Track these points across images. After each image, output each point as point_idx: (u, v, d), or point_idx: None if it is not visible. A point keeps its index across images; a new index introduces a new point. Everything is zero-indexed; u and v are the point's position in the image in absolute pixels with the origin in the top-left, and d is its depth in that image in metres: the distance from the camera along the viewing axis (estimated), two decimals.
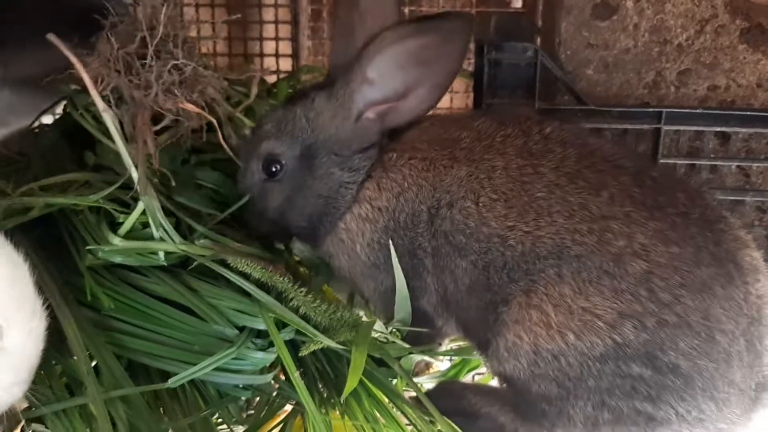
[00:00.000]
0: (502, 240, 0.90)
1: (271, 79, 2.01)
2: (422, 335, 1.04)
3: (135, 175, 0.95)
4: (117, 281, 0.97)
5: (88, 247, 0.96)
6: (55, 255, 1.00)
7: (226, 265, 0.97)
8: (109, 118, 0.96)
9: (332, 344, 0.94)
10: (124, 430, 0.84)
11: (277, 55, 2.03)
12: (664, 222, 0.85)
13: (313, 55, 2.06)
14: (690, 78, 1.26)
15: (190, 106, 1.03)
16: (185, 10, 2.02)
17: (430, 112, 1.05)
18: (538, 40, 1.38)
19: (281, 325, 0.96)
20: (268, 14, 2.02)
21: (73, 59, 0.94)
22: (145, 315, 0.95)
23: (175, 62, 1.03)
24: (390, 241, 0.99)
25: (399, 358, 1.08)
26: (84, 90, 1.15)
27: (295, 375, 0.89)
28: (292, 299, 0.95)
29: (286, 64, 2.04)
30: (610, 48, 1.26)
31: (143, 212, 0.95)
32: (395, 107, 1.01)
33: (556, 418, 0.89)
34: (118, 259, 0.97)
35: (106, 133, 1.12)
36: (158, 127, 1.06)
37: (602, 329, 0.82)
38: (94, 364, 0.92)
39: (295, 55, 2.03)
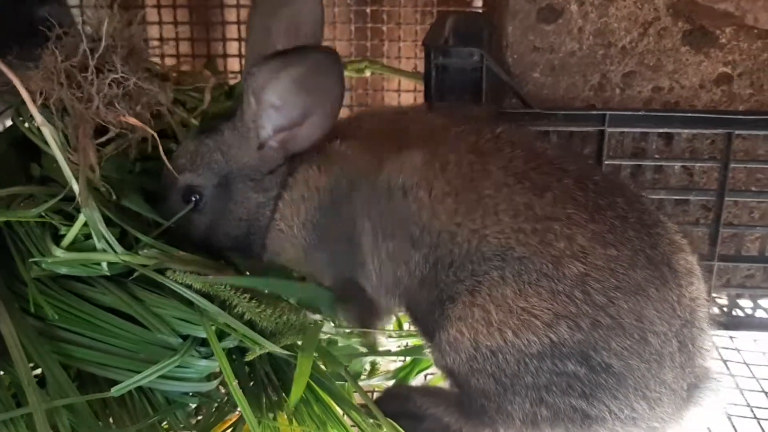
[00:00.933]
0: (451, 236, 0.92)
1: (235, 78, 2.03)
2: (363, 313, 1.07)
3: (76, 187, 0.95)
4: (62, 291, 0.98)
5: (32, 260, 0.97)
6: (1, 264, 1.01)
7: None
8: (47, 132, 0.97)
9: (276, 349, 0.96)
10: None
11: (240, 56, 2.03)
12: (603, 224, 0.88)
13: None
14: (634, 80, 1.28)
15: (132, 120, 1.04)
16: (147, 11, 2.03)
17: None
18: (493, 41, 1.40)
19: (225, 332, 0.97)
20: (231, 15, 2.02)
21: (9, 74, 0.95)
22: (90, 324, 0.96)
23: (115, 76, 1.03)
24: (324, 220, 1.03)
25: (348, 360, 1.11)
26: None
27: (234, 384, 0.90)
28: (236, 306, 0.97)
29: None
30: (555, 51, 1.27)
31: (85, 224, 0.96)
32: (293, 134, 1.04)
33: (495, 414, 0.92)
34: (63, 270, 0.97)
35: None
36: (103, 139, 1.07)
37: (539, 328, 0.86)
38: (39, 372, 0.94)
39: None
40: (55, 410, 0.88)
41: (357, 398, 1.08)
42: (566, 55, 1.27)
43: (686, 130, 1.23)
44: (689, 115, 1.22)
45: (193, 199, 1.07)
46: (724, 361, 1.31)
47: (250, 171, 1.06)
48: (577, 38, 1.27)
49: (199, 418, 1.03)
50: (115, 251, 0.96)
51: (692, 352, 0.90)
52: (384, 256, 0.99)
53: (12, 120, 1.18)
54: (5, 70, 0.95)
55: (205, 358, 0.97)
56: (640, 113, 1.21)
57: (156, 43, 2.01)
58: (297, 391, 0.91)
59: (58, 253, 0.95)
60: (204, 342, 0.98)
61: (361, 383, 1.18)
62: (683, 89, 1.28)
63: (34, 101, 1.10)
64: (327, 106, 1.02)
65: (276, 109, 1.02)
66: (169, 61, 1.98)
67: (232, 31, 2.02)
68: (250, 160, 1.06)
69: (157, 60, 1.83)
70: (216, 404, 1.02)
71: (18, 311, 0.96)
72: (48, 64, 1.07)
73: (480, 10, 1.85)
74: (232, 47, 2.03)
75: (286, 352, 0.98)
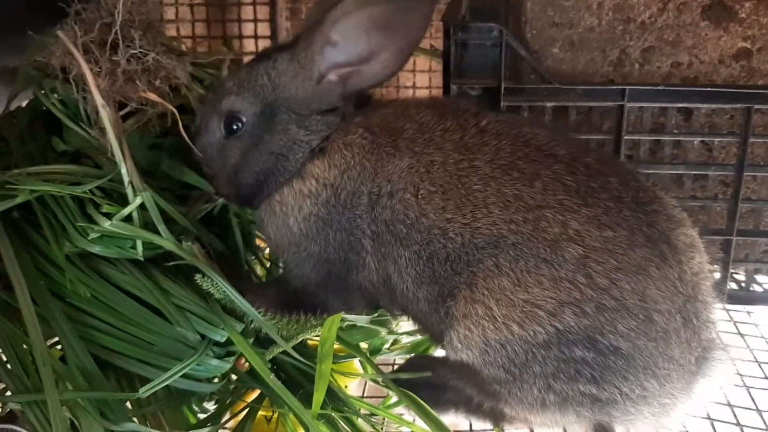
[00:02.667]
0: (443, 232, 0.93)
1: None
2: (355, 307, 1.08)
3: (124, 172, 0.97)
4: (89, 271, 0.99)
5: (79, 224, 0.98)
6: (27, 243, 1.03)
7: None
8: (105, 115, 0.98)
9: (290, 350, 0.99)
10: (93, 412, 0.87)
11: (256, 37, 2.03)
12: (596, 207, 0.88)
13: (292, 36, 2.07)
14: (654, 55, 1.28)
15: (151, 95, 1.04)
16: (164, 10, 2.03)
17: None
18: (510, 18, 1.40)
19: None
20: (247, 13, 2.02)
21: (81, 61, 0.96)
22: (112, 310, 0.97)
23: (134, 51, 1.04)
24: (328, 215, 1.02)
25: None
26: (51, 75, 1.18)
27: (273, 380, 0.93)
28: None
29: (265, 46, 2.04)
30: (574, 27, 1.27)
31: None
32: (358, 71, 1.02)
33: (507, 397, 0.93)
34: (96, 249, 0.98)
35: (73, 118, 1.15)
36: (122, 113, 1.08)
37: (543, 318, 0.86)
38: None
39: (273, 37, 2.03)
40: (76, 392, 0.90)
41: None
42: (585, 30, 1.28)
43: (705, 105, 1.23)
44: (708, 89, 1.22)
45: (234, 126, 1.05)
46: (742, 335, 1.32)
47: (299, 104, 1.04)
48: (596, 13, 1.27)
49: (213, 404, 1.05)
50: (163, 237, 0.98)
51: (697, 326, 0.90)
52: (380, 256, 1.00)
53: (34, 94, 1.19)
54: (78, 57, 0.97)
55: (218, 358, 0.98)
56: (659, 88, 1.21)
57: (172, 24, 2.03)
58: (319, 395, 0.91)
59: (107, 224, 0.96)
60: (216, 342, 0.99)
61: (381, 357, 1.20)
62: (702, 64, 1.27)
63: (56, 76, 1.12)
64: (402, 46, 1.00)
65: (347, 43, 1.00)
66: (185, 43, 1.99)
67: (247, 12, 2.02)
68: (302, 92, 1.04)
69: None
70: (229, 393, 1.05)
71: (45, 290, 0.97)
72: (68, 38, 1.08)
73: None
74: (248, 28, 2.04)
75: (304, 362, 1.01)
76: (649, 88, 1.22)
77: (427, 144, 0.98)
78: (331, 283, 1.06)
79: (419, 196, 0.95)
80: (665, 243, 0.89)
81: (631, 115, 1.26)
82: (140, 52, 1.08)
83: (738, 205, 1.27)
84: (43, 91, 1.19)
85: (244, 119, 1.05)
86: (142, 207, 0.99)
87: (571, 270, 0.86)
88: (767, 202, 1.31)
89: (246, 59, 1.86)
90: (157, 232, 0.99)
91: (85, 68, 1.00)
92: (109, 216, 0.97)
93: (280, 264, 1.14)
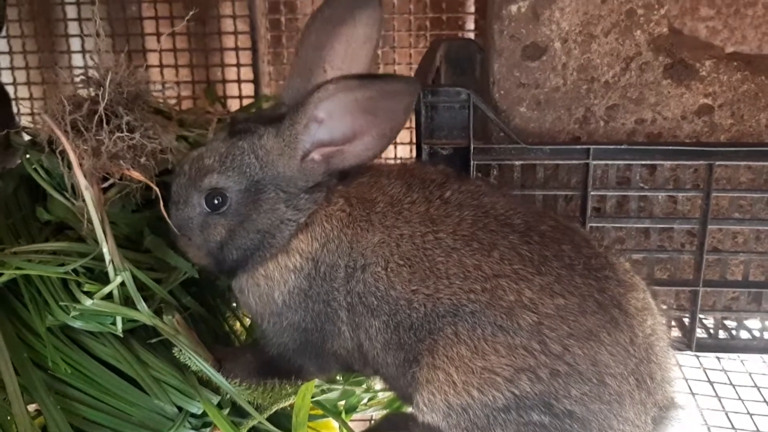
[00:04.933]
0: (408, 303, 0.97)
1: (234, 102, 2.08)
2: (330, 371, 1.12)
3: (106, 251, 1.02)
4: (70, 343, 1.03)
5: (61, 303, 1.01)
6: (12, 314, 1.07)
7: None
8: (88, 196, 1.02)
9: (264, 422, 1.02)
10: None
11: (239, 81, 2.08)
12: (549, 276, 0.92)
13: (274, 80, 2.12)
14: (618, 113, 1.32)
15: (135, 174, 1.08)
16: (146, 39, 2.08)
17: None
18: (483, 68, 1.44)
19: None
20: (229, 41, 2.07)
21: (65, 143, 1.02)
22: (92, 382, 1.01)
23: (120, 134, 1.07)
24: (309, 288, 1.04)
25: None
26: (36, 145, 1.22)
27: None
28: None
29: (248, 90, 2.10)
30: (540, 87, 1.31)
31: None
32: (341, 150, 1.05)
33: None
34: (78, 324, 1.02)
35: (58, 188, 1.19)
36: (105, 185, 1.12)
37: (501, 384, 0.89)
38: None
39: (256, 81, 2.08)
40: None
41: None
42: (551, 90, 1.32)
43: (668, 162, 1.27)
44: (671, 147, 1.25)
45: (216, 201, 1.05)
46: (711, 383, 1.35)
47: (287, 182, 1.05)
48: (561, 74, 1.31)
49: None
50: (145, 314, 1.02)
51: (652, 387, 0.94)
52: (354, 325, 1.03)
53: (21, 161, 1.23)
54: (62, 138, 1.03)
55: (195, 429, 1.02)
56: (623, 146, 1.25)
57: (156, 70, 2.07)
58: None
59: (88, 303, 1.00)
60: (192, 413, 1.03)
61: (358, 414, 1.23)
62: (666, 120, 1.31)
63: (43, 148, 1.16)
64: (385, 131, 1.03)
65: (331, 123, 1.02)
66: (172, 87, 2.04)
67: (230, 57, 2.07)
68: (288, 171, 1.05)
69: (157, 89, 1.88)
70: None
71: (28, 361, 1.01)
72: (56, 113, 1.12)
73: (472, 35, 1.89)
74: (231, 73, 2.09)
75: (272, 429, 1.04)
76: (613, 146, 1.25)
77: (397, 217, 1.01)
78: (308, 350, 1.09)
79: (388, 270, 0.99)
80: (616, 308, 0.93)
81: (597, 171, 1.30)
82: (126, 130, 1.10)
83: (704, 256, 1.31)
84: (28, 159, 1.23)
85: (228, 196, 1.05)
86: (122, 283, 1.03)
87: (525, 337, 0.90)
88: (732, 252, 1.34)
89: (230, 102, 1.92)
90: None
91: (69, 149, 1.04)
92: (90, 294, 1.01)
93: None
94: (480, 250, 0.95)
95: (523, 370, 0.89)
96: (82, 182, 1.03)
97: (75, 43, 2.15)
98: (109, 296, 1.02)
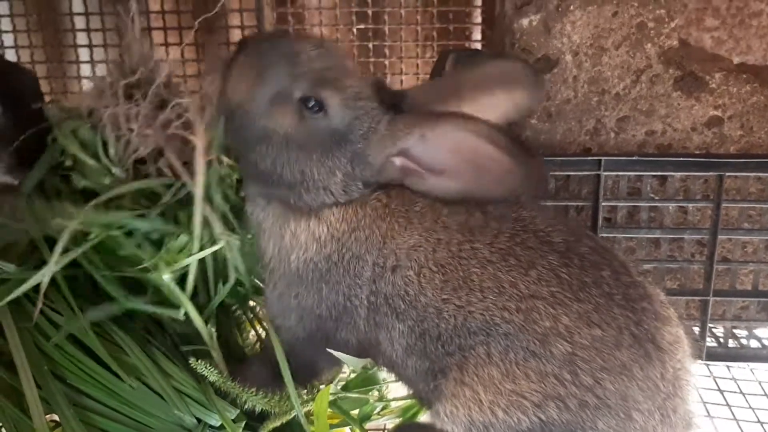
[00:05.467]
0: (437, 312, 0.96)
1: None
2: (305, 372, 1.11)
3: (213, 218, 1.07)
4: (86, 354, 1.04)
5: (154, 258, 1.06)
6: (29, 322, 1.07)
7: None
8: (200, 162, 1.04)
9: None
10: None
11: None
12: (588, 303, 0.90)
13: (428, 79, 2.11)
14: (628, 124, 1.33)
15: (192, 138, 1.06)
16: (152, 33, 2.09)
17: None
18: None
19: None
20: (236, 35, 2.08)
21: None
22: (110, 391, 1.01)
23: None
24: (327, 272, 1.03)
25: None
26: (70, 116, 1.24)
27: None
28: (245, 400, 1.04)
29: None
30: (552, 99, 1.33)
31: None
32: (422, 175, 1.00)
33: None
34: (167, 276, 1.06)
35: (93, 156, 1.20)
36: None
37: (528, 408, 0.89)
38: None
39: None
40: None
41: None
42: (562, 102, 1.33)
43: (679, 173, 1.29)
44: (681, 159, 1.27)
45: (315, 108, 0.98)
46: (721, 392, 1.36)
47: (357, 161, 1.01)
48: (572, 86, 1.32)
49: None
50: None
51: (674, 422, 0.93)
52: (373, 323, 1.03)
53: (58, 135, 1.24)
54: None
55: None
56: (633, 158, 1.27)
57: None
58: None
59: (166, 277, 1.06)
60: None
61: (372, 422, 1.24)
62: (676, 132, 1.33)
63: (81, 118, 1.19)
64: (473, 188, 0.98)
65: (432, 148, 0.97)
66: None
67: (235, 36, 2.07)
68: (371, 155, 1.01)
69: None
70: None
71: (47, 373, 1.02)
72: (101, 84, 1.16)
73: (479, 45, 1.90)
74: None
75: None
76: (624, 158, 1.27)
77: (436, 221, 0.99)
78: (319, 338, 1.08)
79: (421, 275, 0.97)
80: (651, 342, 0.91)
81: (608, 182, 1.31)
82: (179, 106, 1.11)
83: (713, 266, 1.32)
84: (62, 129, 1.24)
85: (326, 114, 0.99)
86: None
87: (557, 366, 0.89)
88: (742, 263, 1.35)
89: None
90: None
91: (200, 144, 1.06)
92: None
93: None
94: (517, 266, 0.93)
95: (552, 398, 0.88)
96: (200, 148, 1.04)
97: (83, 54, 2.15)
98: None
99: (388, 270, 1.00)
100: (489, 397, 0.92)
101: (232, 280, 1.13)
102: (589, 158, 1.27)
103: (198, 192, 1.05)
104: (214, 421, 1.01)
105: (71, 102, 1.23)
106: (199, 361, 1.02)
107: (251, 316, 1.35)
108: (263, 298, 1.15)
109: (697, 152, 1.33)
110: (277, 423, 1.03)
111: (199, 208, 1.05)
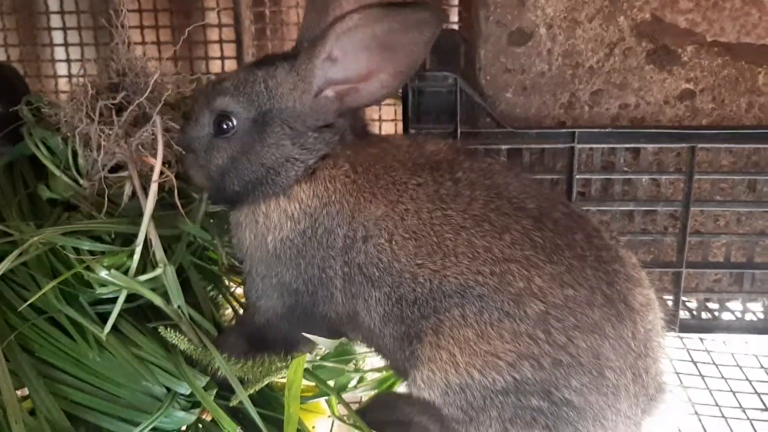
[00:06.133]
0: (413, 277, 0.97)
1: None
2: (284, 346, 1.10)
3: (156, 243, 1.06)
4: (55, 330, 1.03)
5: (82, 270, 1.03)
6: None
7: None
8: (151, 197, 1.06)
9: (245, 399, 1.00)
10: None
11: (222, 59, 2.08)
12: (560, 265, 0.92)
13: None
14: (602, 98, 1.34)
15: (152, 161, 1.08)
16: (130, 32, 2.07)
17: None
18: (467, 63, 1.46)
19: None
20: (213, 34, 2.07)
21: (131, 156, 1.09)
22: (79, 363, 1.00)
23: (149, 129, 1.10)
24: (303, 246, 1.04)
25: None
26: (41, 122, 1.23)
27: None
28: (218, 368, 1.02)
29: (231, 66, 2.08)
30: (526, 72, 1.33)
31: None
32: (356, 88, 1.04)
33: None
34: (103, 291, 1.05)
35: (59, 166, 1.20)
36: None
37: (503, 368, 0.90)
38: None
39: (239, 58, 2.08)
40: None
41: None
42: (536, 75, 1.33)
43: (651, 145, 1.30)
44: (654, 131, 1.28)
45: (225, 126, 1.05)
46: (694, 363, 1.38)
47: (295, 118, 1.05)
48: (547, 59, 1.32)
49: None
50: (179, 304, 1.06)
51: (646, 381, 0.95)
52: (350, 294, 1.03)
53: (26, 139, 1.24)
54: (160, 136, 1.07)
55: (184, 410, 1.01)
56: (607, 130, 1.28)
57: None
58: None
59: (103, 273, 1.02)
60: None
61: (348, 394, 1.24)
62: (649, 105, 1.34)
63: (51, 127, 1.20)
64: (402, 66, 1.01)
65: (348, 59, 1.01)
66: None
67: (214, 50, 2.07)
68: (299, 105, 1.05)
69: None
70: None
71: (15, 345, 1.01)
72: (79, 96, 1.15)
73: (456, 26, 1.90)
74: (215, 65, 2.08)
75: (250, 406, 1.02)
76: (598, 130, 1.28)
77: (401, 195, 1.00)
78: (297, 313, 1.08)
79: (393, 242, 0.98)
80: (623, 302, 0.93)
81: (582, 155, 1.32)
82: (151, 129, 1.12)
83: (686, 238, 1.33)
84: (31, 136, 1.23)
85: (235, 122, 1.05)
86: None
87: (531, 325, 0.90)
88: (715, 234, 1.37)
89: None
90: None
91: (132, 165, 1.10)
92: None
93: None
94: (491, 231, 0.95)
95: (526, 357, 0.90)
96: (157, 170, 1.05)
97: (57, 37, 2.13)
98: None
99: (359, 240, 1.01)
100: (465, 359, 0.92)
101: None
102: (563, 130, 1.28)
103: (146, 215, 1.06)
104: (184, 389, 1.01)
105: (49, 107, 1.23)
106: (168, 329, 1.01)
107: (227, 294, 1.35)
108: (244, 284, 1.15)
109: (670, 125, 1.34)
110: (251, 390, 1.02)
111: (143, 232, 1.05)
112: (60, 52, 2.13)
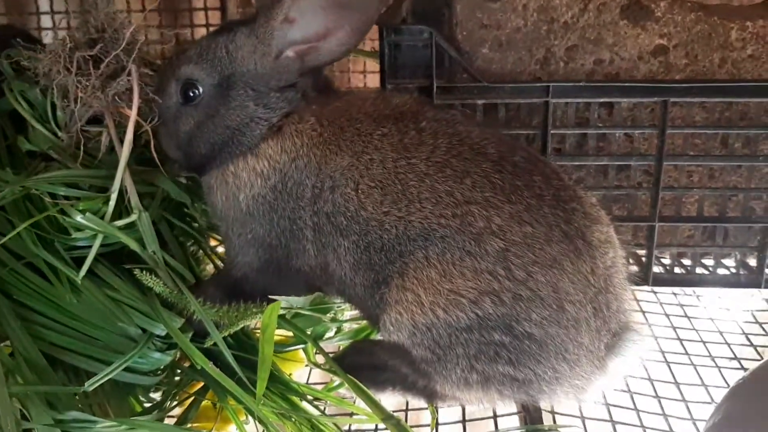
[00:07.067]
0: (380, 224, 0.99)
1: None
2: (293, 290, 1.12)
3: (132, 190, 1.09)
4: (31, 273, 1.05)
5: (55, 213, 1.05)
6: None
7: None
8: (126, 148, 1.07)
9: (220, 342, 1.01)
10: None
11: None
12: (519, 204, 0.95)
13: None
14: (577, 53, 1.35)
15: (128, 112, 1.10)
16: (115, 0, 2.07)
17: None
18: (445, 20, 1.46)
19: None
20: (198, 1, 2.07)
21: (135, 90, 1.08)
22: (56, 306, 1.03)
23: (127, 78, 1.11)
24: (274, 200, 1.07)
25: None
26: (21, 74, 1.24)
27: (212, 368, 1.00)
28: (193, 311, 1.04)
29: None
30: (502, 28, 1.34)
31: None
32: (315, 47, 1.07)
33: (435, 375, 1.00)
34: (79, 236, 1.06)
35: (39, 119, 1.21)
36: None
37: (465, 305, 0.93)
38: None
39: None
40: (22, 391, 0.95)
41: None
42: (512, 31, 1.35)
43: (625, 99, 1.31)
44: (627, 84, 1.30)
45: (191, 93, 1.09)
46: (667, 315, 1.40)
47: (257, 80, 1.08)
48: (522, 15, 1.34)
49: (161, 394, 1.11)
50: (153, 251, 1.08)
51: (607, 316, 0.98)
52: (320, 245, 1.06)
53: (6, 93, 1.25)
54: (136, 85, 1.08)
55: (160, 351, 1.04)
56: (581, 84, 1.29)
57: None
58: (261, 383, 0.96)
59: (78, 217, 1.04)
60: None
61: (325, 342, 1.26)
62: (623, 61, 1.35)
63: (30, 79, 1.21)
64: (358, 24, 1.05)
65: (305, 19, 1.05)
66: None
67: (199, 18, 2.07)
68: (261, 68, 1.08)
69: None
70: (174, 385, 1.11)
71: None
72: (57, 48, 1.15)
73: None
74: (200, 33, 2.08)
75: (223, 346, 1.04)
76: (572, 84, 1.29)
77: (366, 145, 1.03)
78: (272, 267, 1.11)
79: (359, 191, 1.01)
80: (581, 239, 0.96)
81: (557, 111, 1.33)
82: (127, 79, 1.13)
83: (659, 193, 1.35)
84: (11, 89, 1.24)
85: (201, 89, 1.09)
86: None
87: (491, 262, 0.93)
88: (687, 189, 1.39)
89: None
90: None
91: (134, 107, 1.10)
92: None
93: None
94: (453, 176, 0.97)
95: (487, 293, 0.92)
96: (132, 118, 1.07)
97: (44, 4, 2.13)
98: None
99: (327, 190, 1.04)
100: (429, 298, 0.95)
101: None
102: (538, 84, 1.29)
103: (122, 162, 1.08)
104: (160, 330, 1.03)
105: (28, 60, 1.24)
106: (144, 273, 1.03)
107: (207, 250, 1.37)
108: (223, 243, 1.19)
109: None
110: (225, 333, 1.04)
111: (119, 178, 1.08)
112: (46, 21, 2.13)
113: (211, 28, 2.07)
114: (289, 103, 1.09)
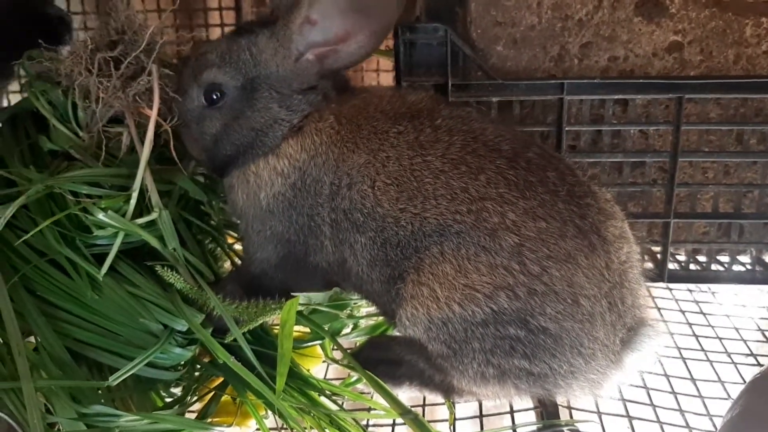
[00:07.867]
0: (396, 221, 1.00)
1: None
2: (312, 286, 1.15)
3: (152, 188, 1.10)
4: (55, 271, 1.06)
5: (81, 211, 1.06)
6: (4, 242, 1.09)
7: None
8: (146, 149, 1.08)
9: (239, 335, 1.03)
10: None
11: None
12: (533, 200, 0.95)
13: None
14: (591, 50, 1.36)
15: (149, 112, 1.11)
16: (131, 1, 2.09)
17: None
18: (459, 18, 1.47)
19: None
20: (213, 1, 2.09)
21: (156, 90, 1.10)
22: (79, 302, 1.04)
23: (147, 78, 1.12)
24: (294, 198, 1.09)
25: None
26: (42, 76, 1.26)
27: (233, 363, 1.01)
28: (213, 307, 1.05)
29: None
30: (516, 25, 1.35)
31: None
32: (335, 50, 1.09)
33: (451, 370, 1.01)
34: (101, 233, 1.08)
35: (60, 118, 1.23)
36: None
37: (481, 300, 0.94)
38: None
39: None
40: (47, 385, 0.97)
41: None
42: (526, 28, 1.35)
43: (639, 96, 1.32)
44: (642, 81, 1.30)
45: (214, 96, 1.10)
46: (682, 312, 1.40)
47: (280, 82, 1.10)
48: (536, 12, 1.34)
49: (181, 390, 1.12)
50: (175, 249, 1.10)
51: (622, 311, 0.98)
52: (337, 241, 1.07)
53: (28, 94, 1.26)
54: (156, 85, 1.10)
55: (181, 346, 1.06)
56: (596, 81, 1.29)
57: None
58: (282, 371, 0.98)
59: (101, 215, 1.05)
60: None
61: (342, 339, 1.27)
62: (637, 58, 1.36)
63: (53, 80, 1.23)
64: (377, 28, 1.07)
65: (325, 22, 1.06)
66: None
67: (214, 17, 2.09)
68: (282, 70, 1.10)
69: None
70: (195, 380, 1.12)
71: (19, 285, 1.05)
72: (78, 50, 1.17)
73: None
74: (215, 33, 2.10)
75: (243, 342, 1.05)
76: (587, 81, 1.30)
77: (382, 143, 1.05)
78: (290, 263, 1.13)
79: (375, 188, 1.02)
80: (595, 234, 0.97)
81: (572, 108, 1.34)
82: (148, 78, 1.14)
83: (674, 189, 1.36)
84: (32, 90, 1.27)
85: (225, 91, 1.10)
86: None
87: (506, 257, 0.94)
88: (702, 185, 1.39)
89: None
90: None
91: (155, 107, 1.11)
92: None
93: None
94: (468, 173, 0.98)
95: (502, 288, 0.93)
96: (153, 118, 1.08)
97: (60, 4, 2.15)
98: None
99: (344, 187, 1.05)
100: (445, 293, 0.96)
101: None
102: (553, 81, 1.30)
103: (143, 162, 1.09)
104: (181, 326, 1.04)
105: (50, 61, 1.26)
106: (165, 268, 1.05)
107: (225, 247, 1.38)
108: (242, 240, 1.20)
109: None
110: (245, 329, 1.06)
111: (139, 177, 1.09)
112: (60, 4, 2.14)
113: (227, 28, 2.08)
114: (311, 104, 1.11)
